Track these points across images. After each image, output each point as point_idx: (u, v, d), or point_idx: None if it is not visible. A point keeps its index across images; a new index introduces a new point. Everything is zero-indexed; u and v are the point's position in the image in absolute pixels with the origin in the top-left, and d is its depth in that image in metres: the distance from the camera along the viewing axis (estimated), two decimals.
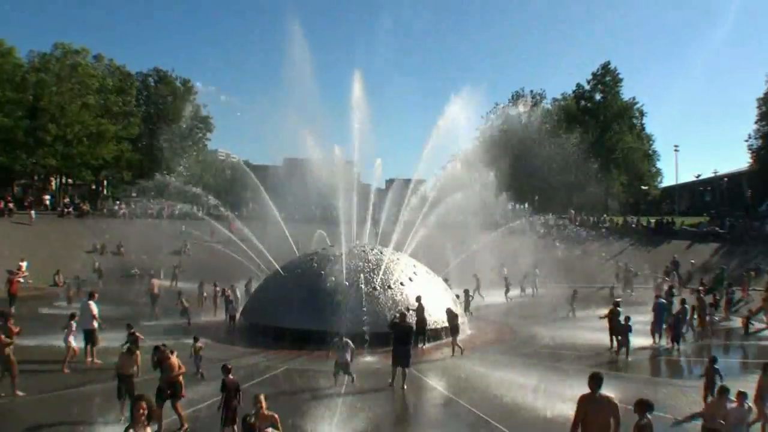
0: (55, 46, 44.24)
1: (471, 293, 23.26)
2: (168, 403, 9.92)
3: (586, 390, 7.13)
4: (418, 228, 23.27)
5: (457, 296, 21.44)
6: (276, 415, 7.73)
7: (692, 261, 34.36)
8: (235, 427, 9.09)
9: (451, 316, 16.93)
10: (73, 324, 14.59)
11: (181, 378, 10.31)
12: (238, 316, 20.43)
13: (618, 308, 17.17)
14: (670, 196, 71.02)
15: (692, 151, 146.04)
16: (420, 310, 17.02)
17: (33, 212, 38.41)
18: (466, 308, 22.35)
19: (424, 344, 17.16)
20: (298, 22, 24.55)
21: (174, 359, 10.36)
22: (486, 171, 26.49)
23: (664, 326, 17.59)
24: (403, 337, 13.26)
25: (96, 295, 16.27)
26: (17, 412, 11.16)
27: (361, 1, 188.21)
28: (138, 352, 11.18)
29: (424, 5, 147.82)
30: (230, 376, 9.37)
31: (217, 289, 23.53)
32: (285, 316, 17.98)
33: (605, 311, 17.83)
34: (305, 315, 17.50)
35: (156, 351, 10.95)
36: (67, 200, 45.72)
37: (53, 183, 54.41)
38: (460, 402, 12.08)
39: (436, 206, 23.35)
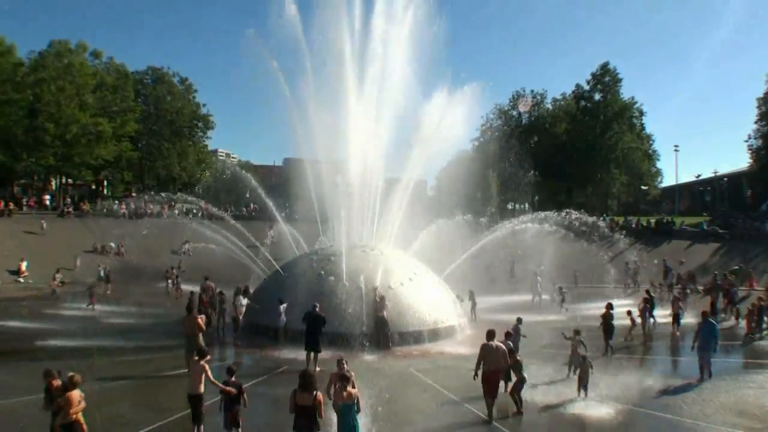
0: (51, 45, 44.07)
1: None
2: None
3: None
4: (418, 228, 23.29)
5: (458, 296, 21.44)
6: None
7: (682, 260, 34.26)
8: (240, 430, 9.07)
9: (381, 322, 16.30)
10: None
11: (80, 417, 8.02)
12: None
13: (611, 310, 17.07)
14: (670, 196, 71.04)
15: (692, 151, 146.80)
16: (379, 309, 16.85)
17: (36, 205, 38.63)
18: (472, 308, 22.42)
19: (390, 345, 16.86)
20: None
21: (75, 393, 7.99)
22: (485, 171, 26.44)
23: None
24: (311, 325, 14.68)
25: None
26: (20, 412, 11.15)
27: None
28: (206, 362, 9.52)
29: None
30: (233, 379, 9.21)
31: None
32: (285, 315, 17.95)
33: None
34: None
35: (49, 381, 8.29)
36: (68, 200, 45.71)
37: (53, 183, 54.42)
38: (460, 401, 12.10)
39: (436, 206, 23.37)
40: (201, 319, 14.26)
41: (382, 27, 24.40)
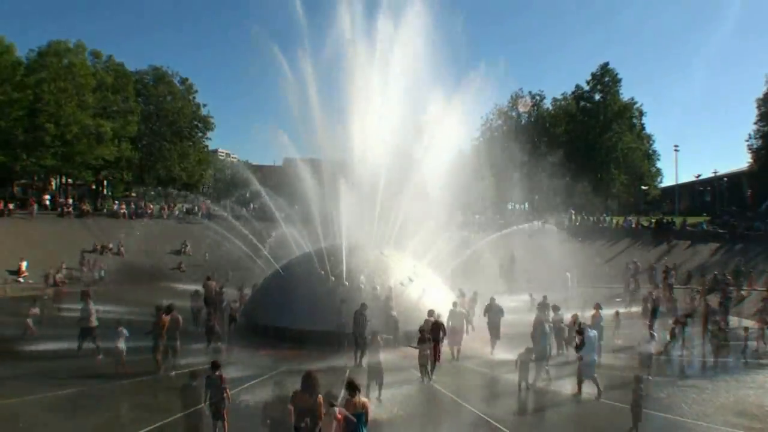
0: (49, 45, 43.86)
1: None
2: None
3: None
4: (418, 227, 23.28)
5: (460, 290, 21.35)
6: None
7: (636, 260, 34.09)
8: (226, 423, 9.22)
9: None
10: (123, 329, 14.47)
11: None
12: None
13: (600, 311, 16.72)
14: (670, 196, 71.08)
15: (692, 151, 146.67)
16: (388, 308, 16.97)
17: (35, 207, 38.61)
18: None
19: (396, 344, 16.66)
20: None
21: None
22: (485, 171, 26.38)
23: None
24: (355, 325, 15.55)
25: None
26: (20, 412, 11.15)
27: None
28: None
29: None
30: (217, 373, 9.49)
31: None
32: (285, 316, 17.98)
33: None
34: (305, 315, 17.50)
35: None
36: (70, 201, 45.61)
37: (53, 183, 54.33)
38: (460, 401, 12.11)
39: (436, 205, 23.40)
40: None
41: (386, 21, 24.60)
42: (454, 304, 16.71)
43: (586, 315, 16.67)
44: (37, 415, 10.97)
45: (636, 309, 23.79)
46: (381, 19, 24.82)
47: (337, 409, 7.45)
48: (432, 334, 14.16)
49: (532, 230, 26.36)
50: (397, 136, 24.96)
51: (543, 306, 17.38)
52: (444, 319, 15.97)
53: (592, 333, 13.01)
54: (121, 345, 14.03)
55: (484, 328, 17.83)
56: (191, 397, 9.09)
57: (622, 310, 20.50)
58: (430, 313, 15.08)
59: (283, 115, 24.66)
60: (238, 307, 20.22)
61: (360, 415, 7.82)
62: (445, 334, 14.56)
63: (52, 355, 15.40)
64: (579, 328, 13.38)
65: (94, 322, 15.82)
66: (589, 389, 12.41)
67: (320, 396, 7.69)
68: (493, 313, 17.57)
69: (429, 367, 13.70)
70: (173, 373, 13.50)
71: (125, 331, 14.34)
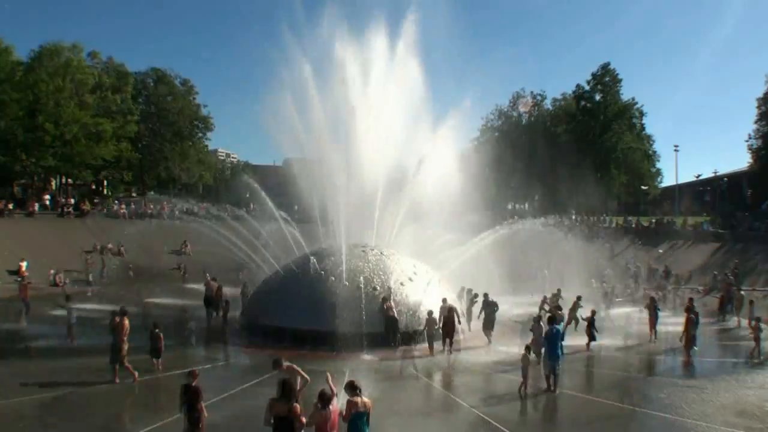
0: (41, 47, 43.72)
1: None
2: None
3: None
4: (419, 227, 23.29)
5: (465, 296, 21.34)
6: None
7: (636, 261, 34.02)
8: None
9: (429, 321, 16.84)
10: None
11: None
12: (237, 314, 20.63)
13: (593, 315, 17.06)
14: (671, 196, 70.96)
15: (692, 151, 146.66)
16: (387, 309, 16.99)
17: (35, 207, 38.61)
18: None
19: (396, 344, 16.78)
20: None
21: None
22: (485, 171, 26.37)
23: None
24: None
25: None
26: (20, 412, 11.14)
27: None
28: None
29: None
30: (194, 383, 9.02)
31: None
32: (285, 315, 17.97)
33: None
34: (305, 315, 17.50)
35: None
36: (71, 200, 45.56)
37: (53, 183, 54.31)
38: (460, 402, 12.10)
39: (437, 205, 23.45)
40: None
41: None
42: (444, 300, 17.22)
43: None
44: (37, 414, 10.97)
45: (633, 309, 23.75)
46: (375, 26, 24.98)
47: (332, 408, 7.40)
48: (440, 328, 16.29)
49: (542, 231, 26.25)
50: (398, 137, 24.99)
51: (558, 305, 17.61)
52: (436, 315, 16.71)
53: (555, 330, 13.53)
54: (73, 320, 17.09)
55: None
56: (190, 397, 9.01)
57: (622, 309, 20.47)
58: (444, 300, 16.99)
59: (284, 115, 24.58)
60: (229, 305, 20.69)
61: (362, 414, 7.74)
62: (453, 326, 16.19)
63: (53, 354, 15.41)
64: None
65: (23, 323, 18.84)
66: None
67: (295, 405, 7.51)
68: (488, 307, 18.36)
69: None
70: (131, 380, 12.98)
71: (73, 309, 17.32)
